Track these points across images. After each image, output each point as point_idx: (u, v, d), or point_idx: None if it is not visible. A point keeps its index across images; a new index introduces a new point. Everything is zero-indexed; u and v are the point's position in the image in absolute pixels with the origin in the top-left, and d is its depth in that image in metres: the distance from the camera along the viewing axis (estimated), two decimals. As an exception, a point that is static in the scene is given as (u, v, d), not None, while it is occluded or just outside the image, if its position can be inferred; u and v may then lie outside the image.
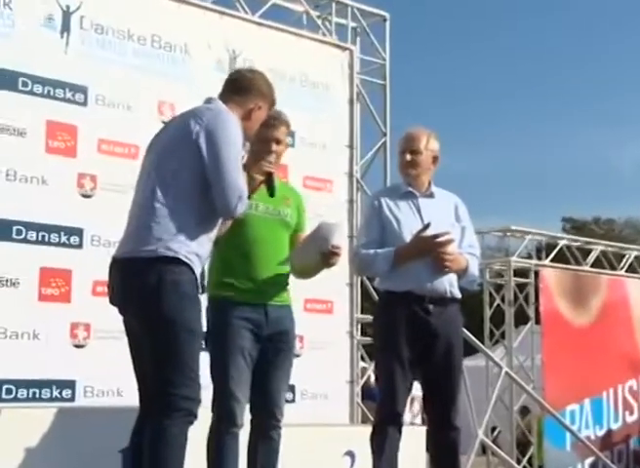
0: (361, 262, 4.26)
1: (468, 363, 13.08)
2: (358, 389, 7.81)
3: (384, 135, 8.39)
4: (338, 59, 8.07)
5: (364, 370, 8.64)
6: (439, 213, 4.25)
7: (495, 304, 12.96)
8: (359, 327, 7.91)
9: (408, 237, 4.13)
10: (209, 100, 3.52)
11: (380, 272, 4.23)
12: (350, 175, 8.03)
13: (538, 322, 11.61)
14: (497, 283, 12.84)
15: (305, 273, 4.03)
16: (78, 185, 6.13)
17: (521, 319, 13.05)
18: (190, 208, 3.22)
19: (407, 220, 4.18)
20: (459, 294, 4.22)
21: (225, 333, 3.78)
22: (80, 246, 6.04)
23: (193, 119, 3.30)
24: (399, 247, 4.14)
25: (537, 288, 11.45)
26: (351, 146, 8.08)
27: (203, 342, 3.41)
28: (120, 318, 3.47)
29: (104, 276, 3.51)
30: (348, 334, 7.75)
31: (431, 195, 4.28)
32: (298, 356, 7.49)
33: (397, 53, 9.28)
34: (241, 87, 3.62)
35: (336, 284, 7.43)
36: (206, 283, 3.90)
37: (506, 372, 8.95)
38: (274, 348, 3.88)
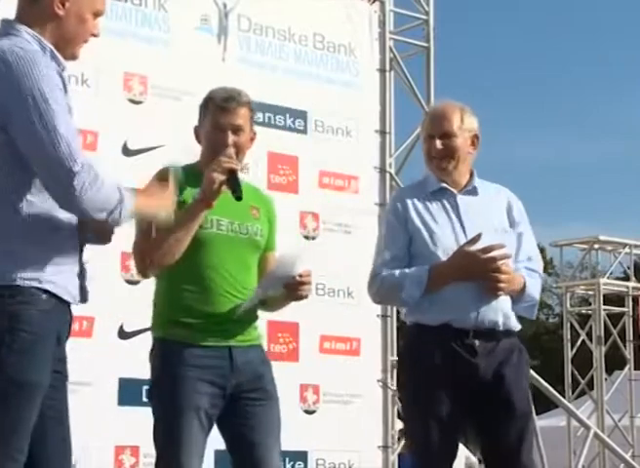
0: (382, 287, 4.16)
1: (543, 422, 13.05)
2: (394, 457, 7.79)
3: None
4: (365, 14, 8.08)
5: (403, 431, 8.63)
6: (486, 215, 4.15)
7: (579, 342, 12.90)
8: (395, 373, 7.90)
9: (443, 251, 4.09)
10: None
11: (408, 299, 4.13)
12: (382, 169, 8.03)
13: (639, 366, 11.55)
14: (581, 313, 12.81)
15: (269, 308, 4.09)
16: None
17: (615, 362, 12.99)
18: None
19: (442, 228, 4.10)
20: (517, 326, 4.17)
21: (175, 387, 3.72)
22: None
23: None
24: (435, 264, 4.06)
25: (636, 319, 11.39)
26: (383, 132, 8.08)
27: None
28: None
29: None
30: (380, 384, 7.75)
31: (474, 191, 4.18)
32: (313, 412, 7.66)
33: (443, 5, 9.25)
34: None
35: (363, 316, 7.42)
36: (152, 319, 3.91)
37: (596, 434, 8.90)
38: (248, 403, 3.86)
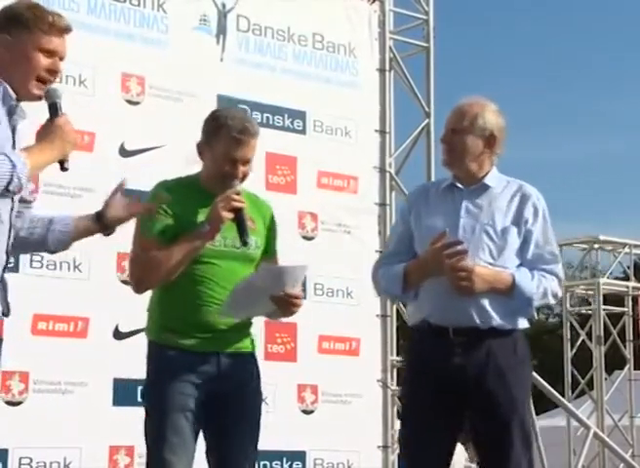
0: (376, 281, 4.30)
1: (543, 422, 13.02)
2: (394, 457, 7.76)
3: (428, 116, 8.33)
4: (364, 13, 8.05)
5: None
6: (488, 211, 4.17)
7: (578, 342, 12.87)
8: (395, 373, 7.88)
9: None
10: None
11: (396, 294, 4.26)
12: (382, 169, 7.99)
13: (638, 366, 11.52)
14: (581, 313, 12.77)
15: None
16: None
17: (615, 362, 12.95)
18: None
19: (442, 225, 4.14)
20: (507, 325, 4.11)
21: (163, 387, 3.85)
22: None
23: None
24: (410, 262, 4.13)
25: (636, 319, 11.35)
26: (383, 131, 8.04)
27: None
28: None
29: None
30: (380, 384, 7.72)
31: (483, 187, 4.21)
32: (311, 412, 7.65)
33: (443, 5, 9.24)
34: None
35: (363, 316, 7.39)
36: (147, 325, 4.01)
37: (595, 434, 8.87)
38: (233, 407, 3.92)
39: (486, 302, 4.05)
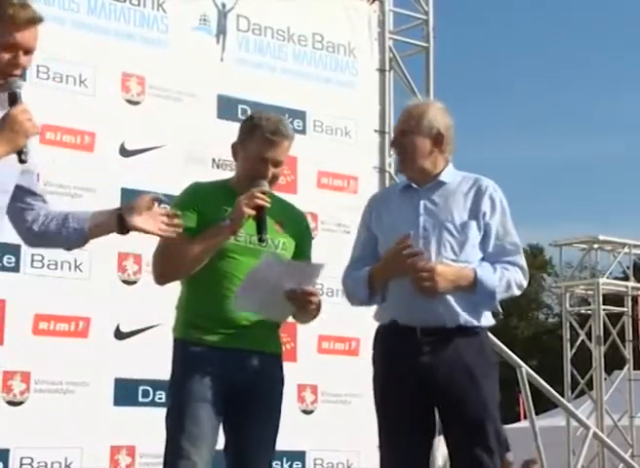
0: (345, 288, 4.31)
1: (543, 422, 13.01)
2: (394, 458, 7.76)
3: (427, 115, 8.34)
4: (364, 14, 8.04)
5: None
6: (445, 210, 4.16)
7: (578, 342, 12.86)
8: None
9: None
10: None
11: (362, 298, 4.21)
12: (382, 169, 7.99)
13: (638, 366, 11.51)
14: (580, 313, 12.77)
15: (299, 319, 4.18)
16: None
17: (614, 362, 12.95)
18: None
19: (403, 225, 4.16)
20: (474, 321, 4.09)
21: (185, 379, 3.90)
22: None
23: None
24: (374, 265, 4.15)
25: (635, 319, 11.35)
26: (382, 131, 8.03)
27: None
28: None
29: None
30: (380, 384, 7.72)
31: (439, 184, 4.21)
32: (311, 412, 7.63)
33: (443, 5, 9.23)
34: None
35: (363, 315, 7.35)
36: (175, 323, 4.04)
37: (595, 434, 8.87)
38: (250, 405, 3.94)
39: (452, 300, 4.05)
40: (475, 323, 4.09)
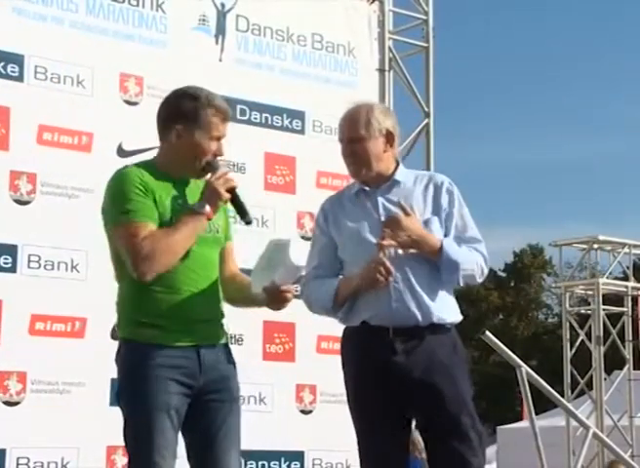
0: (305, 296, 4.24)
1: (542, 422, 13.01)
2: (393, 458, 7.74)
3: (427, 115, 8.31)
4: (364, 14, 8.03)
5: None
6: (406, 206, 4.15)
7: (578, 342, 12.84)
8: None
9: (369, 253, 4.03)
10: None
11: (329, 309, 4.17)
12: (381, 169, 7.98)
13: (638, 366, 11.49)
14: (580, 313, 12.74)
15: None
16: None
17: (614, 362, 12.93)
18: None
19: (365, 230, 4.10)
20: (447, 318, 4.07)
21: (145, 387, 3.71)
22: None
23: None
24: (343, 280, 4.12)
25: (635, 319, 11.33)
26: (382, 131, 8.04)
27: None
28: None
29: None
30: (379, 384, 7.71)
31: (394, 183, 4.17)
32: (310, 412, 7.64)
33: (443, 5, 9.25)
34: None
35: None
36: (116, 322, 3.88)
37: (595, 434, 8.84)
38: (215, 402, 3.85)
39: (424, 297, 4.03)
40: (447, 320, 4.09)
